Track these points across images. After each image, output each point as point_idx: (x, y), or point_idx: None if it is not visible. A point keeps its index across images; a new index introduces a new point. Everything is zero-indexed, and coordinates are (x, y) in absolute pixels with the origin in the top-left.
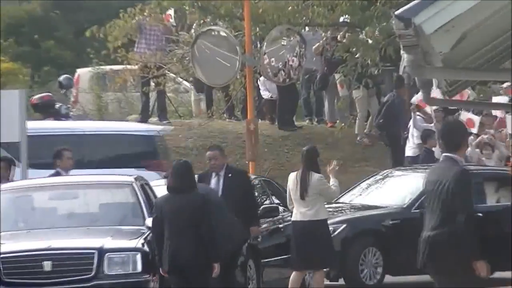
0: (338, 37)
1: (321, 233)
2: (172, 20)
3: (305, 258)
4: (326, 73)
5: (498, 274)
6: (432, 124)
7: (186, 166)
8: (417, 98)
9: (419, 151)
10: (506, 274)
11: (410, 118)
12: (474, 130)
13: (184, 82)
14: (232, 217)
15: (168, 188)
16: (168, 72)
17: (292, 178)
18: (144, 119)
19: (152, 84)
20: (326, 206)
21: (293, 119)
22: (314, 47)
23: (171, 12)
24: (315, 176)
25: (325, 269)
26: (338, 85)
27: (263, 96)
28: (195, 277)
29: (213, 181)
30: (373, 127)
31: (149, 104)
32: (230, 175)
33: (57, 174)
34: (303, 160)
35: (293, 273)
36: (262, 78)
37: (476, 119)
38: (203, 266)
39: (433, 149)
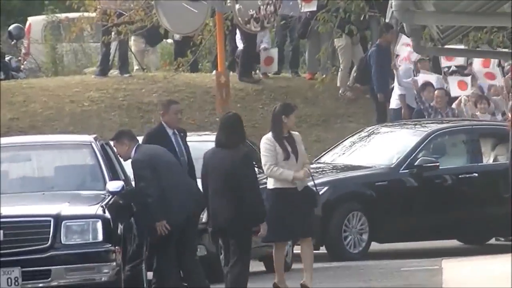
0: None
1: None
2: None
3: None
4: (308, 18)
5: (493, 241)
6: (418, 77)
7: (234, 118)
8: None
9: (401, 103)
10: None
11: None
12: (468, 92)
13: None
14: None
15: (215, 142)
16: (132, 20)
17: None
18: (103, 72)
19: (113, 33)
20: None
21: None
22: None
23: None
24: None
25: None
26: None
27: (238, 46)
28: (235, 239)
29: (174, 140)
30: None
31: (109, 55)
32: (182, 134)
33: None
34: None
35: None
36: None
37: (468, 79)
38: (242, 228)
39: (432, 103)
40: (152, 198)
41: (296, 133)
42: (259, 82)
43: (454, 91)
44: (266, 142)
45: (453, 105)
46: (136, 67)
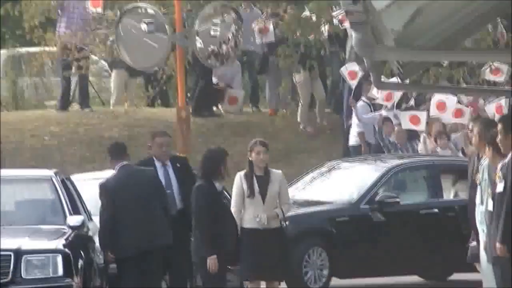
0: (282, 12)
1: None
2: (100, 10)
3: None
4: (266, 54)
5: (456, 276)
6: (382, 112)
7: (207, 152)
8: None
9: (360, 140)
10: (465, 276)
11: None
12: (421, 127)
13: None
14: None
15: None
16: (91, 54)
17: None
18: (63, 106)
19: (73, 68)
20: None
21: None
22: (253, 24)
23: None
24: None
25: None
26: None
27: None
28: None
29: (161, 172)
30: (324, 115)
31: (70, 89)
32: (178, 165)
33: None
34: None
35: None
36: None
37: (422, 114)
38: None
39: (391, 139)
40: (100, 227)
41: (277, 171)
42: (220, 117)
43: (406, 124)
44: (235, 179)
45: (418, 147)
46: (111, 101)
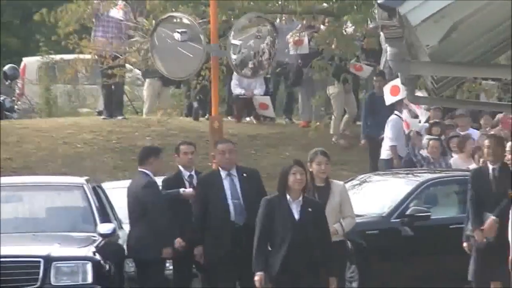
0: (318, 24)
1: None
2: (120, 13)
3: None
4: (300, 66)
5: None
6: (421, 124)
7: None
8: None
9: (392, 154)
10: None
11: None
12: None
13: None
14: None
15: None
16: (127, 63)
17: None
18: (110, 113)
19: (116, 76)
20: None
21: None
22: (287, 36)
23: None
24: None
25: None
26: None
27: (234, 92)
28: None
29: (227, 182)
30: (349, 126)
31: (112, 96)
32: (244, 175)
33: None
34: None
35: None
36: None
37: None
38: None
39: (421, 151)
40: None
41: (339, 182)
42: (254, 128)
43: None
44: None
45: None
46: (144, 110)
